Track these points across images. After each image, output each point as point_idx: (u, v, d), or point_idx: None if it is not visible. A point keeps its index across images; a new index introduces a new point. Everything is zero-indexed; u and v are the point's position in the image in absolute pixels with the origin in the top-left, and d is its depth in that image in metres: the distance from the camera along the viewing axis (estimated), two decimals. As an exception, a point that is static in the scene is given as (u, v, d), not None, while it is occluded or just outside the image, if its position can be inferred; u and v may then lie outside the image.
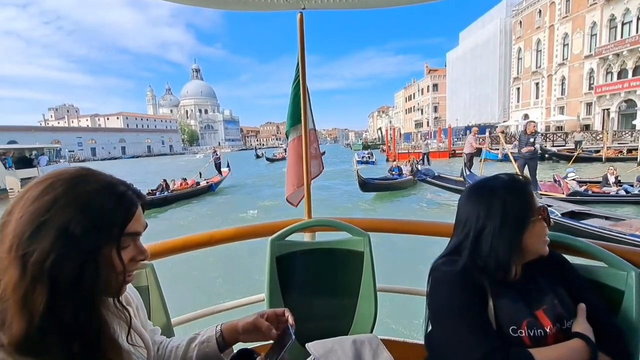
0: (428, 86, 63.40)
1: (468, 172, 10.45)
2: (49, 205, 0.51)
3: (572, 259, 1.00)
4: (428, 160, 19.92)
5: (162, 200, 11.97)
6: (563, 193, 8.51)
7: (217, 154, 18.24)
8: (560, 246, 1.03)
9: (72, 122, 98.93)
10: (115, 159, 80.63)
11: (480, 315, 0.80)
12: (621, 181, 8.86)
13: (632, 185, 8.62)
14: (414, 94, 70.99)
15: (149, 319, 0.96)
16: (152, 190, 12.73)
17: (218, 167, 17.63)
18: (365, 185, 11.56)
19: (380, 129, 77.26)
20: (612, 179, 8.82)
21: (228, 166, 16.81)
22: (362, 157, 27.66)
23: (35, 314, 0.47)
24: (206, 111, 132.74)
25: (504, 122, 36.20)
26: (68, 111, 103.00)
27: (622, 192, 8.45)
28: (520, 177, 0.91)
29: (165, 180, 13.29)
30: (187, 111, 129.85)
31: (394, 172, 13.98)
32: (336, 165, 27.73)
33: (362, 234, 1.33)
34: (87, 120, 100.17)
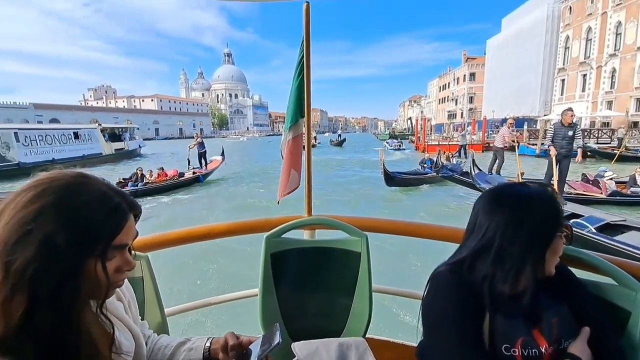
0: (464, 75, 60.37)
1: (477, 171, 9.12)
2: (35, 215, 0.50)
3: (578, 272, 0.94)
4: (465, 153, 17.69)
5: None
6: (602, 193, 7.92)
7: (200, 141, 14.81)
8: (567, 259, 0.96)
9: (110, 102, 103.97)
10: (149, 139, 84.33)
11: (474, 331, 0.76)
12: None
13: None
14: (448, 83, 68.03)
15: (142, 310, 0.99)
16: (124, 179, 11.34)
17: (202, 157, 14.52)
18: (391, 179, 10.93)
19: (410, 118, 74.90)
20: (640, 180, 8.18)
21: (222, 154, 14.39)
22: (393, 145, 34.12)
23: (12, 319, 0.48)
24: (236, 96, 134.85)
25: (544, 115, 33.89)
26: (106, 92, 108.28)
27: None
28: (549, 187, 0.84)
29: (140, 169, 11.65)
30: (217, 95, 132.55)
31: (425, 165, 13.06)
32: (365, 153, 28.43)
33: (360, 235, 1.31)
34: (123, 101, 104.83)
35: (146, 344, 0.82)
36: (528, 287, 0.78)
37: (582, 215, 5.60)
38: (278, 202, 1.65)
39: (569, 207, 6.06)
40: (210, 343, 0.81)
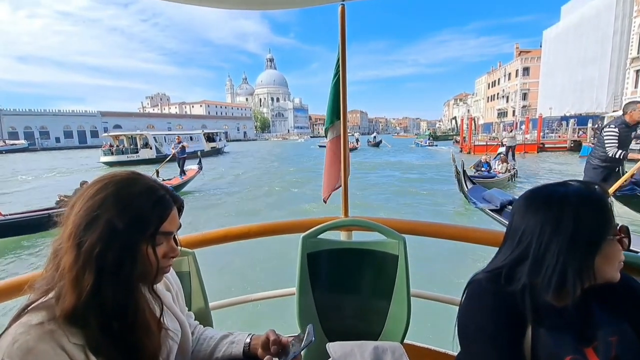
0: (517, 70, 56.01)
1: (470, 185, 7.68)
2: (100, 203, 0.60)
3: None
4: (513, 156, 15.73)
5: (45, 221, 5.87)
6: None
7: (181, 146, 13.53)
8: (635, 269, 0.85)
9: (164, 109, 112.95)
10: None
11: (512, 346, 0.70)
12: None
13: None
14: (498, 79, 63.56)
15: (189, 302, 1.08)
16: (65, 196, 7.09)
17: (181, 164, 13.45)
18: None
19: (454, 118, 71.11)
20: None
21: (199, 163, 13.08)
22: (427, 142, 39.48)
23: (83, 292, 0.57)
24: (278, 99, 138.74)
25: (613, 112, 30.29)
26: (161, 99, 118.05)
27: None
28: (595, 186, 0.74)
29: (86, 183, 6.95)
30: (260, 99, 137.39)
31: (482, 169, 11.92)
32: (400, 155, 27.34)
33: (398, 237, 1.28)
34: (175, 107, 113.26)
35: (192, 333, 0.88)
36: (574, 298, 0.70)
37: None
38: (324, 202, 1.67)
39: None
40: (251, 339, 0.86)
